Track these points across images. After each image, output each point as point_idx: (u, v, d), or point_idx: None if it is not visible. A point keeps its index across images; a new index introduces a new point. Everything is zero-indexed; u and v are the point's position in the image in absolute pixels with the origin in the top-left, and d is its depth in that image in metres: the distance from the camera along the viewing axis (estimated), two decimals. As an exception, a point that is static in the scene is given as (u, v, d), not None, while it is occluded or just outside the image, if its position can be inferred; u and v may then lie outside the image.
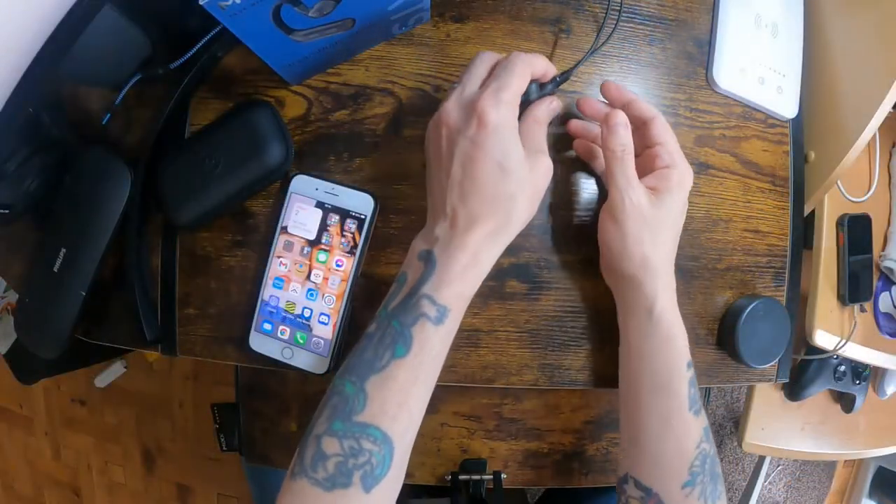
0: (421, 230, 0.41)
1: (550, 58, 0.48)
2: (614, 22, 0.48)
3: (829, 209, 0.63)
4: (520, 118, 0.40)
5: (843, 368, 0.73)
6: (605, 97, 0.44)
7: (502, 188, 0.38)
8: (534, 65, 0.40)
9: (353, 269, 0.45)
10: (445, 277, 0.38)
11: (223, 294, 0.48)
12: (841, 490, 1.55)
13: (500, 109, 0.37)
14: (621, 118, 0.41)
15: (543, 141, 0.41)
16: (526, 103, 0.42)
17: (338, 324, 0.45)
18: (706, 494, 0.42)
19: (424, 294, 0.37)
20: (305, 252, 0.46)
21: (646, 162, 0.43)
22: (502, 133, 0.37)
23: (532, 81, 0.41)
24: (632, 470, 0.44)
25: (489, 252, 0.39)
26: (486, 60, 0.40)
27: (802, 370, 0.72)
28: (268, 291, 0.46)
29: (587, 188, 0.49)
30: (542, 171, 0.40)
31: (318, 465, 0.35)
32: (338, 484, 0.35)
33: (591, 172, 0.49)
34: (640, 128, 0.43)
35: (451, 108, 0.39)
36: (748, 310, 0.49)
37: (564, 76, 0.44)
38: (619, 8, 0.48)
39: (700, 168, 0.50)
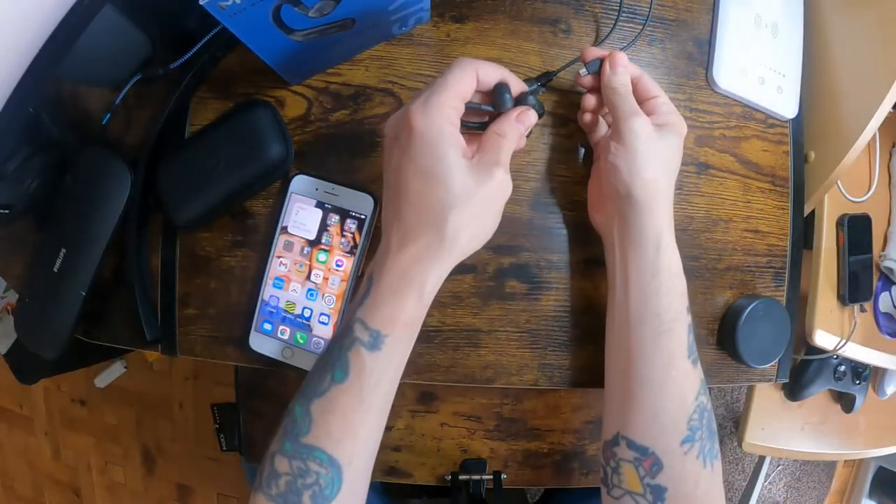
0: None
1: (550, 58, 0.48)
2: (610, 28, 0.48)
3: (829, 209, 0.63)
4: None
5: (843, 368, 0.73)
6: (609, 66, 0.42)
7: (431, 198, 0.35)
8: (478, 69, 0.38)
9: (353, 269, 0.45)
10: (377, 300, 0.36)
11: (223, 294, 0.48)
12: (841, 490, 1.55)
13: (428, 114, 0.35)
14: (623, 59, 0.42)
15: (503, 155, 0.37)
16: (496, 115, 0.40)
17: (338, 324, 0.45)
18: (704, 452, 0.39)
19: (357, 318, 0.36)
20: (305, 252, 0.46)
21: (650, 112, 0.42)
22: (429, 138, 0.35)
23: (506, 92, 0.39)
24: (624, 429, 0.41)
25: (424, 272, 0.36)
26: (454, 68, 0.37)
27: (802, 370, 0.72)
28: (268, 291, 0.46)
29: (587, 188, 0.49)
30: (494, 185, 0.36)
31: (272, 483, 0.36)
32: (289, 502, 0.35)
33: (590, 174, 0.49)
34: (634, 86, 0.43)
35: (391, 120, 0.38)
36: (748, 310, 0.49)
37: (542, 83, 0.44)
38: (616, 13, 0.48)
39: (700, 168, 0.50)
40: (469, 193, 0.36)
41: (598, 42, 0.49)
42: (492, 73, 0.39)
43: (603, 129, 0.46)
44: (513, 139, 0.38)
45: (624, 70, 0.42)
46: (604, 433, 0.43)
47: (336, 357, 0.36)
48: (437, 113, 0.35)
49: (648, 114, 0.42)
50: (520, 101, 0.40)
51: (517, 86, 0.41)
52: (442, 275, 0.37)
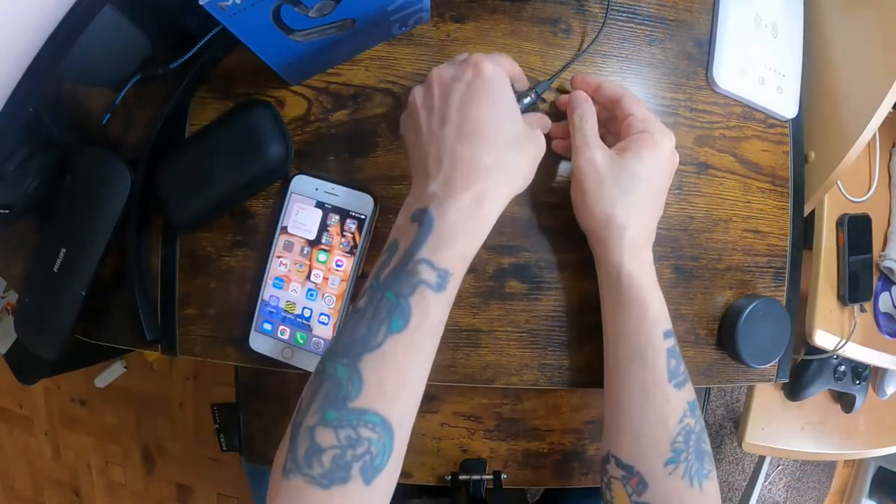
0: (407, 196, 0.39)
1: (550, 58, 0.48)
2: (608, 29, 0.48)
3: (829, 209, 0.63)
4: None
5: (843, 368, 0.73)
6: (574, 88, 0.45)
7: (505, 129, 0.38)
8: (513, 63, 0.42)
9: (353, 269, 0.45)
10: (445, 237, 0.35)
11: (223, 294, 0.48)
12: (841, 490, 1.55)
13: (496, 63, 0.38)
14: (579, 94, 0.44)
15: (539, 125, 0.43)
16: None
17: (338, 324, 0.45)
18: (691, 472, 0.39)
19: (422, 259, 0.34)
20: (305, 252, 0.46)
21: (623, 134, 0.43)
22: (500, 82, 0.38)
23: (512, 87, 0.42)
24: (613, 448, 0.42)
25: (494, 202, 0.37)
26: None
27: (802, 370, 0.72)
28: (268, 291, 0.46)
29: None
30: (540, 141, 0.41)
31: (314, 461, 0.32)
32: (336, 480, 0.32)
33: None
34: (612, 108, 0.44)
35: (443, 68, 0.39)
36: (748, 310, 0.49)
37: (543, 87, 0.45)
38: (604, 14, 0.48)
39: (700, 168, 0.50)
40: (529, 136, 0.39)
41: (578, 53, 0.49)
42: (515, 70, 0.43)
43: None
44: (540, 128, 0.43)
45: (581, 103, 0.43)
46: (601, 449, 0.45)
47: (393, 306, 0.34)
48: (502, 65, 0.39)
49: (624, 132, 0.43)
50: (522, 100, 0.44)
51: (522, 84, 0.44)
52: (503, 207, 0.38)
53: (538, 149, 0.40)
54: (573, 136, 0.43)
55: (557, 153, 0.48)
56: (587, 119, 0.43)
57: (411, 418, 0.36)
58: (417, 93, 0.40)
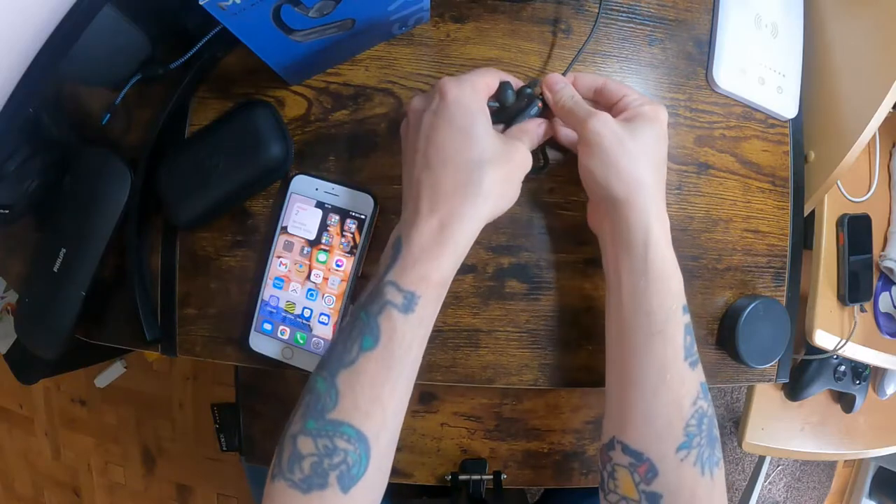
0: None
1: (550, 58, 0.48)
2: (609, 28, 0.48)
3: (829, 209, 0.63)
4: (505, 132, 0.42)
5: (843, 368, 0.73)
6: (548, 91, 0.44)
7: (467, 153, 0.37)
8: (500, 75, 0.42)
9: (353, 269, 0.45)
10: (409, 260, 0.36)
11: (223, 294, 0.48)
12: (841, 490, 1.55)
13: (462, 86, 0.38)
14: (556, 76, 0.43)
15: (525, 139, 0.42)
16: (504, 109, 0.43)
17: (338, 324, 0.45)
18: (703, 459, 0.38)
19: (389, 281, 0.36)
20: (305, 252, 0.46)
21: (619, 112, 0.42)
22: (465, 105, 0.38)
23: (508, 89, 0.42)
24: (619, 433, 0.40)
25: (458, 226, 0.36)
26: (479, 69, 0.42)
27: (802, 370, 0.72)
28: (268, 291, 0.46)
29: (587, 188, 0.49)
30: (520, 154, 0.40)
31: (294, 466, 0.34)
32: (314, 485, 0.34)
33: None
34: (596, 98, 0.44)
35: (417, 98, 0.40)
36: (748, 310, 0.49)
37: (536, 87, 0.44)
38: (597, 12, 0.48)
39: (700, 168, 0.50)
40: (500, 155, 0.38)
41: (576, 57, 0.48)
42: (508, 79, 0.43)
43: (565, 130, 0.46)
44: (534, 137, 0.43)
45: (562, 87, 0.43)
46: (602, 436, 0.42)
47: (364, 324, 0.36)
48: (470, 86, 0.39)
49: (618, 113, 0.42)
50: (519, 94, 0.43)
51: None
52: (474, 232, 0.38)
53: (513, 165, 0.39)
54: (572, 115, 0.41)
55: (563, 144, 0.47)
56: (577, 95, 0.42)
57: (390, 432, 0.37)
58: (402, 126, 0.42)
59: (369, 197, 0.45)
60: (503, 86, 0.42)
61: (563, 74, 0.45)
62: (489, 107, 0.42)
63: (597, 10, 0.49)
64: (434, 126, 0.38)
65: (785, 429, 0.77)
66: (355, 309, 0.37)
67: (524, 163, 0.40)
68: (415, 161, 0.38)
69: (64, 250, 0.46)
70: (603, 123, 0.40)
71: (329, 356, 0.37)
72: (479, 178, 0.37)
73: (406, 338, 0.36)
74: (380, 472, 0.36)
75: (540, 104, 0.43)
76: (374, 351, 0.35)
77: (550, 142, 0.46)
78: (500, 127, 0.43)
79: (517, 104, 0.43)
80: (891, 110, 0.49)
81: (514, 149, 0.40)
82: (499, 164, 0.38)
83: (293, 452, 0.35)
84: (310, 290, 0.46)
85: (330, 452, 0.34)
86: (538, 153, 0.46)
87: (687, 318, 0.40)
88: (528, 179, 0.48)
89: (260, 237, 0.47)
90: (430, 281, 0.36)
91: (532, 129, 0.43)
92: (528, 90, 0.43)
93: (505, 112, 0.43)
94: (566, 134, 0.46)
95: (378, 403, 0.35)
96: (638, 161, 0.40)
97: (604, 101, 0.44)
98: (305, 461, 0.34)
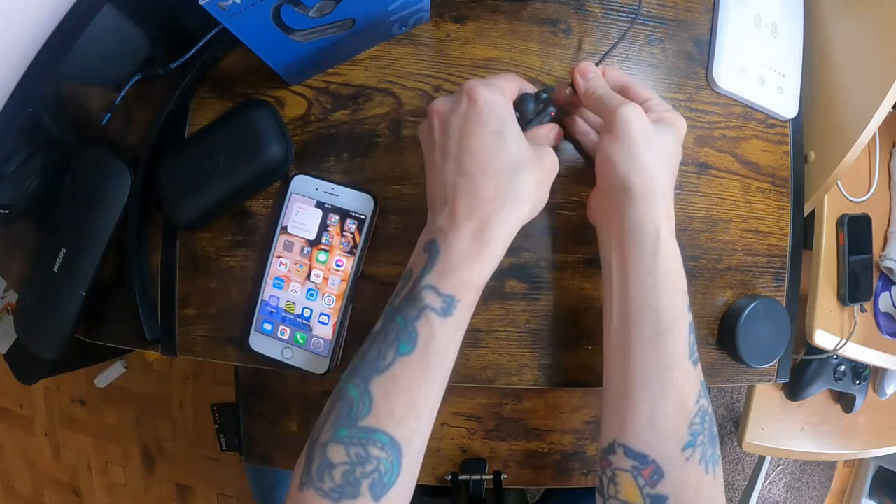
0: (425, 227, 0.40)
1: (550, 58, 0.48)
2: (609, 28, 0.48)
3: (829, 209, 0.63)
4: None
5: (843, 368, 0.73)
6: (580, 77, 0.44)
7: (504, 157, 0.37)
8: (520, 83, 0.42)
9: (353, 269, 0.45)
10: (449, 264, 0.36)
11: (223, 294, 0.48)
12: (841, 490, 1.55)
13: (491, 89, 0.38)
14: (589, 65, 0.43)
15: (553, 141, 0.43)
16: (524, 121, 0.43)
17: (338, 324, 0.45)
18: (706, 457, 0.38)
19: (427, 285, 0.36)
20: (305, 252, 0.46)
21: None
22: (496, 108, 0.38)
23: (530, 101, 0.42)
24: (621, 435, 0.39)
25: (498, 231, 0.37)
26: (504, 74, 0.42)
27: (802, 370, 0.72)
28: (268, 291, 0.46)
29: (587, 188, 0.49)
30: (549, 160, 0.40)
31: (325, 475, 0.34)
32: (346, 494, 0.33)
33: (590, 173, 0.49)
34: (622, 95, 0.43)
35: (440, 101, 0.40)
36: (748, 310, 0.49)
37: (548, 93, 0.44)
38: (633, 18, 0.48)
39: (700, 168, 0.50)
40: (534, 158, 0.38)
41: (603, 53, 0.48)
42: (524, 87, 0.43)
43: (593, 134, 0.47)
44: (547, 141, 0.44)
45: (595, 75, 0.43)
46: (600, 441, 0.41)
47: (401, 329, 0.36)
48: (499, 90, 0.38)
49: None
50: (536, 100, 0.44)
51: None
52: (512, 235, 0.38)
53: (545, 169, 0.40)
54: (603, 103, 0.41)
55: (579, 139, 0.47)
56: (608, 86, 0.42)
57: (422, 439, 0.37)
58: (423, 128, 0.41)
59: (369, 197, 0.45)
60: (524, 98, 0.42)
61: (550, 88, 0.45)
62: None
63: (597, 10, 0.49)
64: (466, 130, 0.37)
65: (785, 429, 0.77)
66: (388, 314, 0.37)
67: (554, 166, 0.41)
68: (446, 167, 0.38)
69: (64, 250, 0.46)
70: (636, 112, 0.39)
71: (361, 363, 0.36)
72: (518, 182, 0.37)
73: (443, 342, 0.36)
74: (410, 478, 0.36)
75: (553, 112, 0.44)
76: (410, 356, 0.35)
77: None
78: None
79: (537, 107, 0.43)
80: (891, 110, 0.49)
81: (545, 153, 0.40)
82: (534, 167, 0.38)
83: (324, 461, 0.34)
84: (310, 290, 0.46)
85: (363, 460, 0.34)
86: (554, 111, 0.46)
87: (690, 317, 0.40)
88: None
89: (260, 237, 0.47)
90: (471, 285, 0.37)
91: (544, 135, 0.43)
92: (544, 95, 0.44)
93: (522, 119, 0.42)
94: (585, 131, 0.47)
95: (413, 409, 0.35)
96: (658, 158, 0.40)
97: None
98: (336, 470, 0.34)
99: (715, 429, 0.39)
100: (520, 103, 0.42)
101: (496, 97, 0.38)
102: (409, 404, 0.35)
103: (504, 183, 0.37)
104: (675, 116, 0.42)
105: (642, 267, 0.39)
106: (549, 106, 0.44)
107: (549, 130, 0.44)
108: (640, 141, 0.39)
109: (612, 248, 0.41)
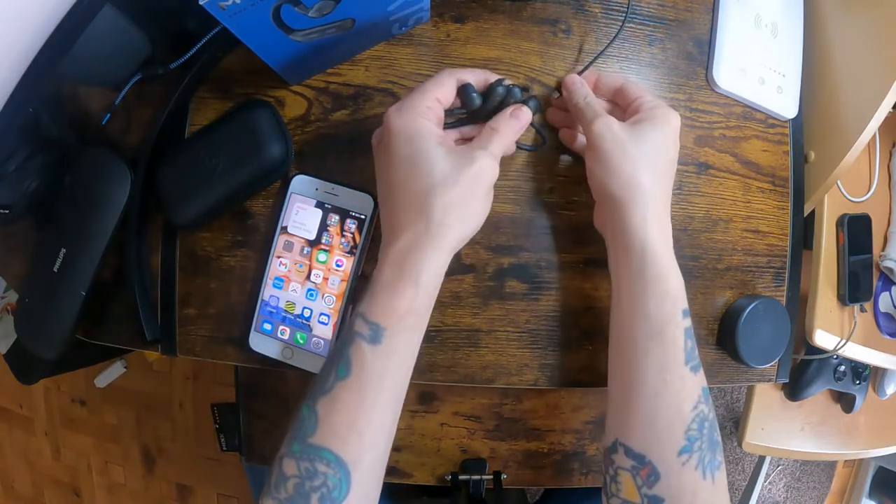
0: None
1: (550, 58, 0.48)
2: (609, 28, 0.48)
3: (829, 209, 0.63)
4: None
5: (843, 368, 0.73)
6: (566, 90, 0.45)
7: (415, 184, 0.37)
8: (457, 75, 0.40)
9: (353, 269, 0.45)
10: (375, 293, 0.37)
11: (223, 294, 0.48)
12: (841, 490, 1.55)
13: (403, 114, 0.38)
14: (574, 77, 0.45)
15: (492, 145, 0.39)
16: (482, 108, 0.42)
17: (338, 324, 0.45)
18: (704, 463, 0.38)
19: (358, 312, 0.37)
20: (305, 252, 0.46)
21: (632, 114, 0.43)
22: (406, 133, 0.37)
23: (472, 91, 0.41)
24: (622, 435, 0.40)
25: (418, 261, 0.36)
26: (432, 77, 0.40)
27: (802, 370, 0.72)
28: (268, 291, 0.46)
29: (587, 188, 0.49)
30: (475, 168, 0.37)
31: (280, 486, 0.36)
32: None
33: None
34: (615, 98, 0.45)
35: (375, 133, 0.42)
36: (748, 310, 0.49)
37: (522, 88, 0.43)
38: (620, 15, 0.48)
39: (700, 168, 0.50)
40: (450, 177, 0.37)
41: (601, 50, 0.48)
42: (471, 76, 0.41)
43: (581, 140, 0.47)
44: (505, 134, 0.40)
45: (579, 86, 0.44)
46: (604, 439, 0.42)
47: (339, 354, 0.37)
48: (411, 111, 0.38)
49: (632, 113, 0.43)
50: (488, 95, 0.41)
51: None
52: (438, 264, 0.37)
53: (469, 183, 0.37)
54: (582, 115, 0.42)
55: (566, 144, 0.47)
56: (590, 96, 0.43)
57: (373, 458, 0.37)
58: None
59: (369, 197, 0.45)
60: (464, 89, 0.40)
61: (580, 74, 0.46)
62: (459, 114, 0.42)
63: (597, 10, 0.49)
64: (382, 162, 0.39)
65: (785, 429, 0.77)
66: (337, 338, 0.40)
67: (482, 175, 0.38)
68: (379, 196, 0.40)
69: (64, 250, 0.46)
70: (605, 126, 0.40)
71: (313, 384, 0.38)
72: (428, 208, 0.36)
73: (376, 369, 0.36)
74: (364, 497, 0.37)
75: (524, 94, 0.42)
76: (346, 381, 0.36)
77: (545, 121, 0.47)
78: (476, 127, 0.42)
79: (494, 98, 0.41)
80: (891, 110, 0.49)
81: (468, 162, 0.37)
82: (449, 186, 0.36)
83: (279, 473, 0.36)
84: (310, 290, 0.46)
85: (311, 475, 0.35)
86: (536, 132, 0.46)
87: (687, 322, 0.40)
88: (529, 179, 0.48)
89: (260, 237, 0.47)
90: (394, 313, 0.36)
91: (502, 126, 0.40)
92: (505, 82, 0.41)
93: (483, 110, 0.42)
94: (579, 141, 0.47)
95: (354, 430, 0.36)
96: (637, 164, 0.40)
97: (621, 101, 0.44)
98: (289, 482, 0.35)
99: (716, 435, 0.39)
100: (462, 95, 0.41)
101: (407, 120, 0.38)
102: (351, 426, 0.36)
103: (416, 211, 0.37)
104: (665, 114, 0.42)
105: (631, 271, 0.40)
106: (513, 89, 0.41)
107: (508, 118, 0.41)
108: (615, 151, 0.40)
109: (612, 254, 0.43)
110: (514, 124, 0.41)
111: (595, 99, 0.44)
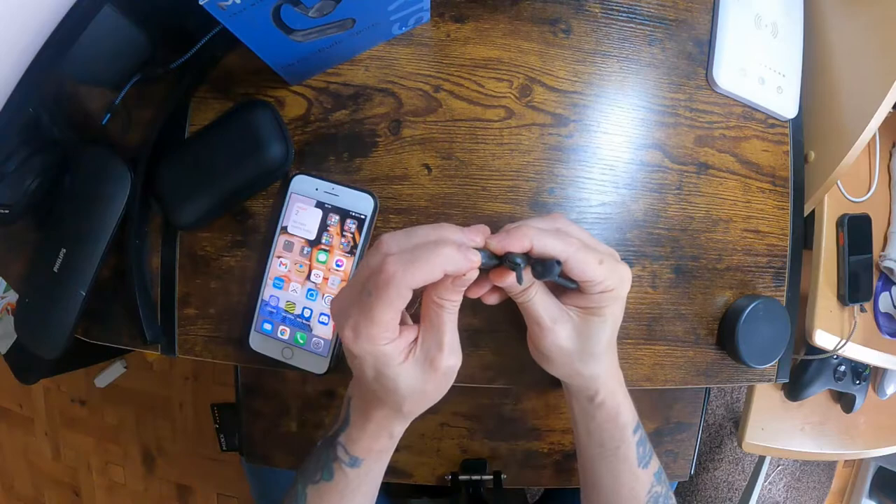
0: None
1: (550, 58, 0.48)
2: (609, 28, 0.48)
3: (829, 209, 0.63)
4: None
5: (843, 368, 0.73)
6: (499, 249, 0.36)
7: (384, 395, 0.37)
8: (440, 262, 0.33)
9: (354, 269, 0.45)
10: (355, 436, 0.40)
11: (223, 294, 0.48)
12: (841, 490, 1.55)
13: (360, 345, 0.34)
14: (509, 279, 0.37)
15: (445, 333, 0.36)
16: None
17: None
18: None
19: (339, 442, 0.41)
20: (305, 252, 0.46)
21: (582, 291, 0.39)
22: (368, 360, 0.35)
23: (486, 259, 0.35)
24: None
25: (390, 427, 0.40)
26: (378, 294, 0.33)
27: (802, 370, 0.72)
28: (268, 291, 0.46)
29: (587, 188, 0.49)
30: (438, 376, 0.36)
31: None
32: None
33: (589, 173, 0.49)
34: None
35: (333, 304, 0.37)
36: (748, 310, 0.49)
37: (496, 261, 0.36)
38: (616, 15, 0.48)
39: (700, 168, 0.50)
40: (417, 389, 0.37)
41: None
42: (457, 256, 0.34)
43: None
44: (452, 304, 0.36)
45: (529, 289, 0.39)
46: None
47: (326, 460, 0.41)
48: (368, 343, 0.34)
49: (582, 293, 0.39)
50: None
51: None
52: (405, 425, 0.41)
53: (437, 386, 0.38)
54: (526, 318, 0.40)
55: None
56: (529, 294, 0.38)
57: None
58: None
59: (369, 197, 0.45)
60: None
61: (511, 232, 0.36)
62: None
63: (597, 10, 0.49)
64: (352, 363, 0.36)
65: (785, 429, 0.77)
66: (324, 439, 0.42)
67: (447, 377, 0.37)
68: (351, 366, 0.37)
69: (64, 250, 0.46)
70: (553, 345, 0.40)
71: (307, 465, 0.43)
72: (398, 407, 0.38)
73: (354, 482, 0.41)
74: None
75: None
76: (330, 483, 0.41)
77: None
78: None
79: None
80: (891, 110, 0.49)
81: (431, 373, 0.36)
82: (417, 395, 0.37)
83: None
84: (310, 290, 0.46)
85: None
86: (512, 267, 0.35)
87: (639, 435, 0.45)
88: (528, 179, 0.48)
89: (260, 237, 0.47)
90: (371, 451, 0.41)
91: (445, 293, 0.35)
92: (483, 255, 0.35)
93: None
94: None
95: None
96: (587, 363, 0.42)
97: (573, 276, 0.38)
98: None
99: (671, 502, 0.47)
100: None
101: (363, 348, 0.34)
102: None
103: (391, 407, 0.38)
104: (615, 291, 0.38)
105: (583, 414, 0.45)
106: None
107: (454, 279, 0.34)
108: (565, 362, 0.42)
109: (564, 386, 0.46)
110: (460, 288, 0.35)
111: (538, 297, 0.39)
